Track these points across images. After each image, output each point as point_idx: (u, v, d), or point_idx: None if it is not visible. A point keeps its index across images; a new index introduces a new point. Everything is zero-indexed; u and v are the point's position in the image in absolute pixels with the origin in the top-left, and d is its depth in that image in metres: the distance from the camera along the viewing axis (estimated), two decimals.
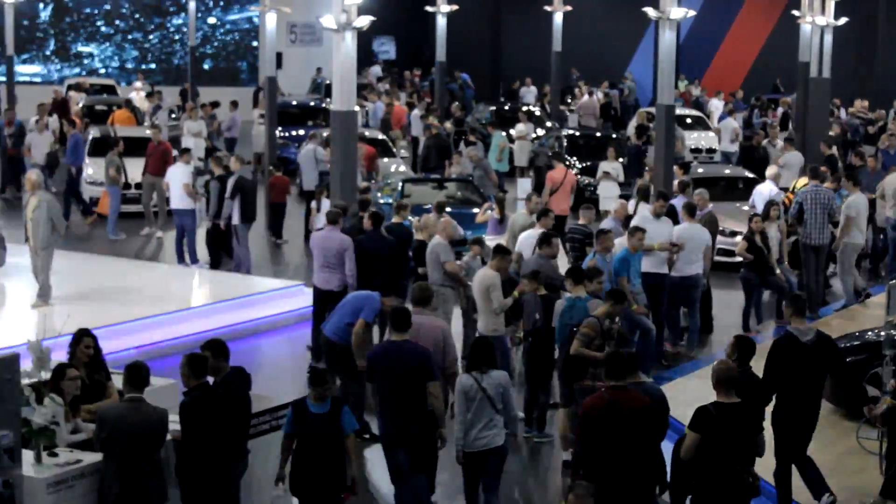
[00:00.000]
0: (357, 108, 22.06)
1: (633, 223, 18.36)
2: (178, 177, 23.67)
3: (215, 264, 22.96)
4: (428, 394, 11.93)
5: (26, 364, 10.56)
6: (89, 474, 10.55)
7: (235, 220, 22.41)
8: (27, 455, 10.34)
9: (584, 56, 49.63)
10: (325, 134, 28.74)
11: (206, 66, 48.34)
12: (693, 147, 35.06)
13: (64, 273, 20.95)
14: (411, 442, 12.07)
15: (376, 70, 51.36)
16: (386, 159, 29.40)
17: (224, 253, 23.06)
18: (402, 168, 29.38)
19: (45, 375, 10.93)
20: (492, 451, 11.91)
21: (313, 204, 23.43)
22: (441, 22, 40.13)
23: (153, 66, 48.59)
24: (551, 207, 20.43)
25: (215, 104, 37.01)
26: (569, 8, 43.94)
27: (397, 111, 38.21)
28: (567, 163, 26.75)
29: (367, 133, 29.72)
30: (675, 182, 22.42)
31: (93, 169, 28.08)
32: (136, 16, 48.96)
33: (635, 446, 10.76)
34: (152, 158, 25.87)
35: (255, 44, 49.58)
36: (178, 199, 23.60)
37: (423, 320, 12.86)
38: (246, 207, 22.43)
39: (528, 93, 46.14)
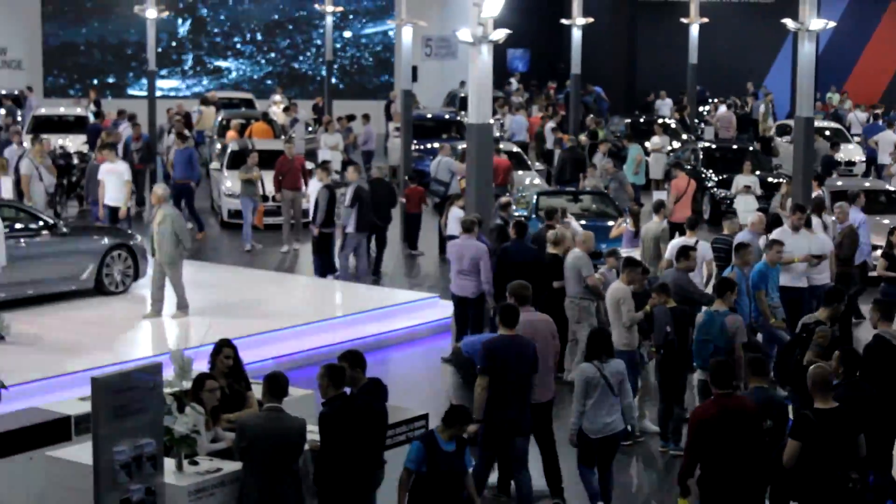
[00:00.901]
0: (492, 121, 22.09)
1: (771, 237, 18.18)
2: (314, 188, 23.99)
3: (322, 273, 23.13)
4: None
5: (168, 373, 10.73)
6: (229, 483, 10.66)
7: (350, 228, 22.62)
8: (169, 463, 10.49)
9: (720, 68, 49.19)
10: (459, 147, 28.86)
11: (338, 80, 48.66)
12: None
13: (205, 284, 21.35)
14: (529, 431, 12.67)
15: (514, 83, 51.45)
16: (520, 172, 29.40)
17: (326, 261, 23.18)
18: (537, 181, 29.35)
19: (187, 385, 11.08)
20: (615, 436, 12.57)
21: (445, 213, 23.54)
22: (576, 34, 40.03)
23: (288, 80, 49.04)
24: (675, 216, 20.49)
25: (351, 117, 37.33)
26: (705, 20, 43.62)
27: (532, 123, 38.23)
28: (686, 171, 26.61)
29: (501, 146, 29.72)
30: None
31: (231, 181, 28.45)
32: (274, 30, 49.57)
33: (744, 453, 10.74)
34: (289, 174, 25.93)
35: (385, 56, 49.91)
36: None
37: (533, 316, 13.26)
38: (362, 217, 22.60)
39: (664, 105, 45.82)
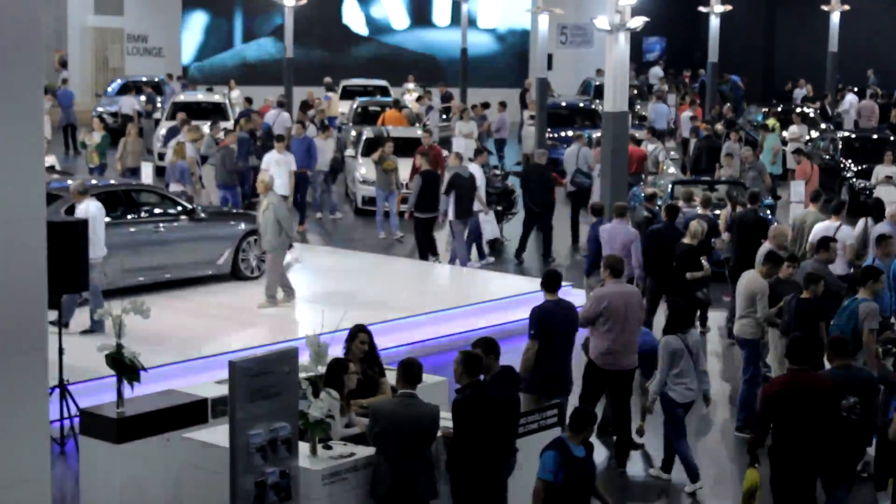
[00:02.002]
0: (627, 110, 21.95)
1: None
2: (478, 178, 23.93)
3: (422, 256, 23.30)
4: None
5: (304, 358, 10.78)
6: (362, 467, 10.68)
7: (451, 215, 22.67)
8: (303, 447, 10.55)
9: (860, 57, 48.27)
10: (595, 135, 28.70)
11: (473, 68, 48.64)
12: None
13: (338, 270, 21.50)
14: (570, 390, 13.66)
15: (656, 71, 50.99)
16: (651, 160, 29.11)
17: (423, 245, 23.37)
18: (672, 170, 29.05)
19: (322, 370, 11.12)
20: (688, 405, 13.28)
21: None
22: (714, 22, 39.62)
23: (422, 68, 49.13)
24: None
25: (485, 105, 37.30)
26: (846, 7, 42.86)
27: (681, 109, 37.88)
28: (808, 156, 26.34)
29: (637, 135, 29.47)
30: None
31: (365, 168, 28.59)
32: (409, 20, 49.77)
33: (815, 427, 10.91)
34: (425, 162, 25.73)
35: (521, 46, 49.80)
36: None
37: (623, 287, 14.06)
38: (461, 203, 22.60)
39: (802, 94, 45.08)
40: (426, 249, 23.25)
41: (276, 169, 23.78)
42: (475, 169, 23.90)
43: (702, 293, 18.16)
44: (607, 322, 13.73)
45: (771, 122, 34.37)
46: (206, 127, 28.55)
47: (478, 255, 23.48)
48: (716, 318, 19.89)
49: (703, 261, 17.89)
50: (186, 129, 26.71)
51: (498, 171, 27.02)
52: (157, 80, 42.92)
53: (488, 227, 23.58)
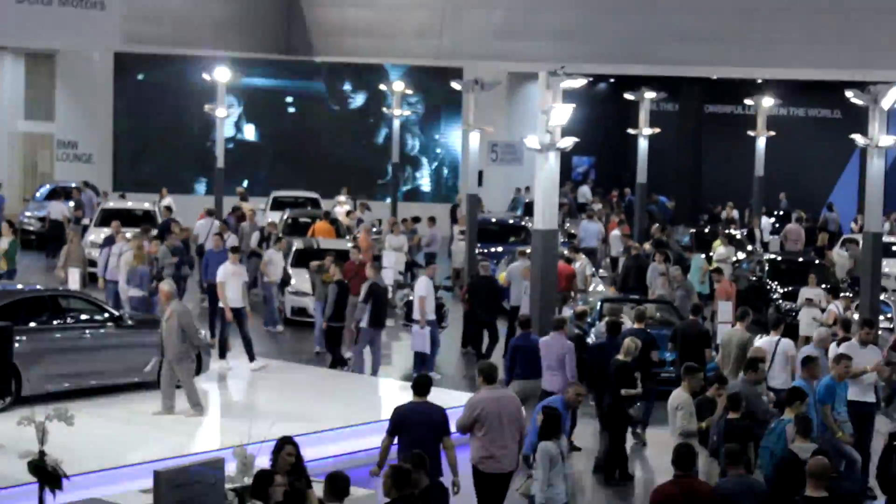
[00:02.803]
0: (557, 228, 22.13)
1: (839, 351, 17.98)
2: (422, 289, 23.99)
3: (332, 365, 23.63)
4: None
5: (230, 469, 10.67)
6: None
7: (364, 323, 22.87)
8: None
9: (786, 181, 49.05)
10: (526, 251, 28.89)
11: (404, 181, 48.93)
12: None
13: (268, 381, 21.36)
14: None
15: (584, 190, 51.48)
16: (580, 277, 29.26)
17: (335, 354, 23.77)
18: (601, 288, 29.24)
19: (248, 481, 11.01)
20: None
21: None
22: (642, 144, 40.16)
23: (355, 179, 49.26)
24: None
25: (416, 219, 37.43)
26: (772, 133, 43.65)
27: (612, 226, 38.22)
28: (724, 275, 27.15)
29: (566, 252, 29.67)
30: None
31: (296, 279, 28.52)
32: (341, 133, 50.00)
33: None
34: (356, 279, 24.75)
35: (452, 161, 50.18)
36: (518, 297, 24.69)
37: (499, 393, 14.65)
38: (376, 313, 22.81)
39: (726, 216, 45.55)
40: (336, 360, 23.74)
41: (232, 280, 23.25)
42: (423, 281, 24.15)
43: (634, 409, 18.31)
44: (482, 427, 14.14)
45: (716, 242, 34.86)
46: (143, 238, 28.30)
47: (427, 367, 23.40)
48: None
49: (636, 378, 18.00)
50: (125, 239, 26.38)
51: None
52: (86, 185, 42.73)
53: (418, 340, 23.54)
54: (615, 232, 37.07)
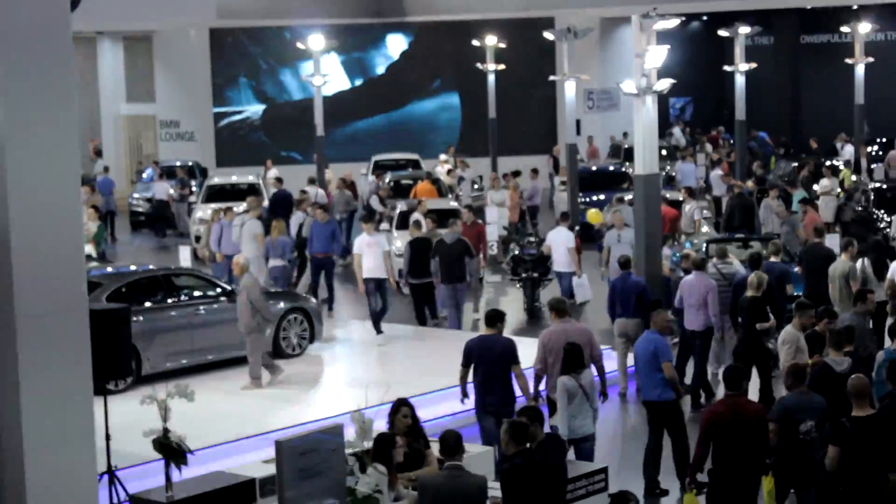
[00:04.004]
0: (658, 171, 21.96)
1: None
2: (562, 240, 24.02)
3: (420, 320, 23.72)
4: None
5: (349, 434, 10.76)
6: None
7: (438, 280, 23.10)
8: None
9: (887, 107, 48.20)
10: (627, 198, 28.72)
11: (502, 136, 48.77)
12: None
13: (383, 345, 21.47)
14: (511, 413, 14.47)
15: (677, 133, 51.01)
16: (684, 222, 29.01)
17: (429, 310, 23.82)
18: (705, 228, 28.97)
19: (367, 445, 11.09)
20: (587, 439, 13.93)
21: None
22: (740, 81, 39.65)
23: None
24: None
25: (517, 173, 37.35)
26: (871, 59, 42.87)
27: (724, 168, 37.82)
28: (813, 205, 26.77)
29: (668, 195, 29.47)
30: None
31: (400, 242, 28.56)
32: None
33: (749, 449, 11.88)
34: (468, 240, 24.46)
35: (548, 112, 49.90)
36: (564, 263, 24.25)
37: (569, 325, 15.23)
38: (443, 269, 22.87)
39: (846, 151, 44.31)
40: (423, 314, 23.74)
41: (369, 251, 22.59)
42: (562, 231, 24.22)
43: (771, 343, 18.13)
44: (551, 358, 14.80)
45: (844, 172, 34.61)
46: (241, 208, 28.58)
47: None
48: None
49: (768, 311, 17.87)
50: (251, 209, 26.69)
51: (533, 238, 27.01)
52: (190, 164, 43.18)
53: (579, 290, 23.53)
54: (716, 172, 36.68)
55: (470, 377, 15.06)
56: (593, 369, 14.83)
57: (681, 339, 19.37)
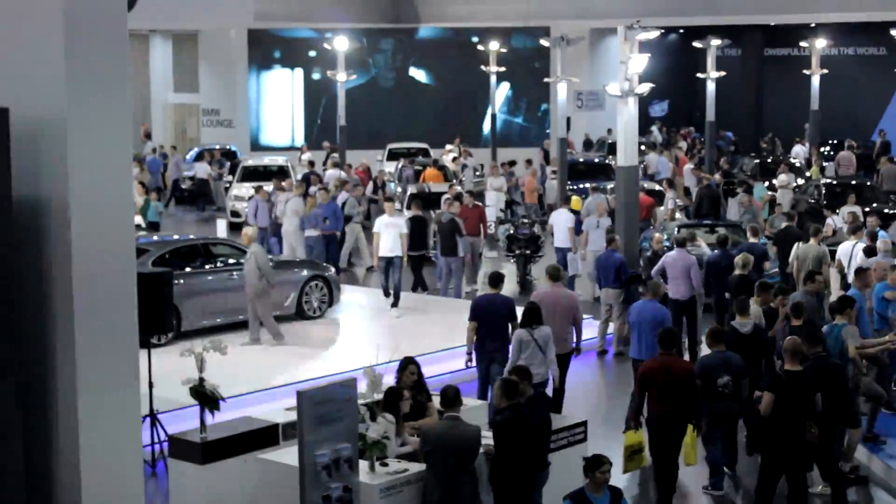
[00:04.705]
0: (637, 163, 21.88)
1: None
2: (563, 220, 23.89)
3: (413, 288, 23.60)
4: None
5: (362, 387, 10.74)
6: (415, 482, 10.62)
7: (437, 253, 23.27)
8: (363, 465, 10.49)
9: (838, 113, 48.08)
10: (609, 186, 28.68)
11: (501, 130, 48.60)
12: None
13: (393, 311, 21.42)
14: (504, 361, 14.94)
15: (655, 132, 50.89)
16: (662, 208, 28.96)
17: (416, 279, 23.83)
18: (678, 215, 28.88)
19: (378, 397, 11.07)
20: (541, 384, 13.83)
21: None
22: (710, 87, 39.54)
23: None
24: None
25: (512, 163, 37.24)
26: (825, 71, 42.76)
27: (682, 161, 37.73)
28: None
29: (645, 185, 29.38)
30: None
31: None
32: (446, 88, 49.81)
33: (678, 400, 12.41)
34: (468, 221, 24.32)
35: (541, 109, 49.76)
36: (563, 240, 23.89)
37: (559, 290, 15.66)
38: (442, 243, 22.93)
39: (802, 151, 44.14)
40: (418, 283, 23.74)
41: (387, 231, 21.87)
42: (563, 213, 24.16)
43: None
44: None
45: (814, 168, 34.72)
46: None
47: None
48: None
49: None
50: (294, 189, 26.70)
51: (526, 220, 26.99)
52: (227, 147, 43.07)
53: (573, 264, 23.45)
54: (688, 166, 36.60)
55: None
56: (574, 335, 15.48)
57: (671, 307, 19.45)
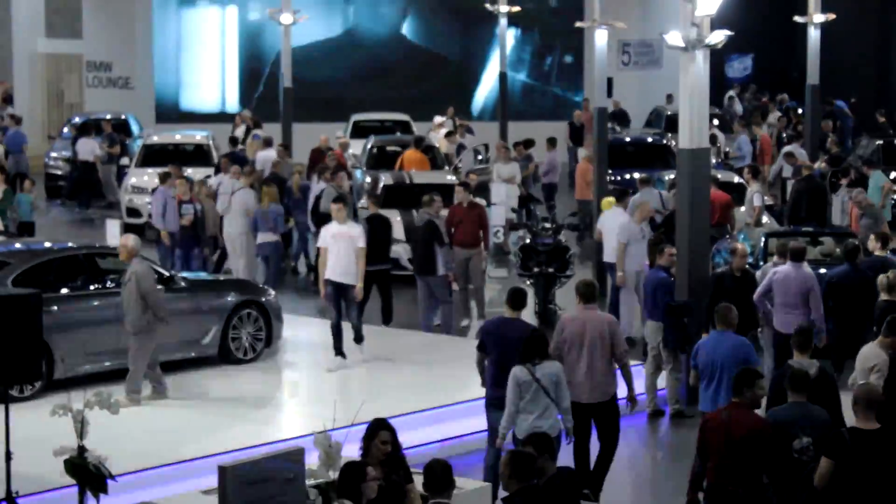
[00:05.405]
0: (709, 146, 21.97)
1: None
2: (617, 225, 23.96)
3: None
4: None
5: (312, 461, 10.78)
6: None
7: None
8: None
9: None
10: (668, 177, 28.72)
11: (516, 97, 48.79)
12: None
13: (355, 350, 21.42)
14: None
15: (734, 97, 51.14)
16: (742, 208, 29.01)
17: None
18: (765, 219, 28.93)
19: (334, 475, 11.10)
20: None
21: None
22: (813, 35, 39.63)
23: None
24: None
25: (530, 143, 37.33)
26: None
27: (764, 143, 37.77)
28: None
29: (719, 175, 29.44)
30: None
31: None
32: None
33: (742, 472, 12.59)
34: (462, 226, 24.36)
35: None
36: (612, 253, 24.04)
37: (591, 314, 15.99)
38: (416, 257, 23.54)
39: None
40: (385, 310, 24.19)
41: (336, 245, 21.24)
42: (619, 214, 24.55)
43: None
44: (566, 349, 15.73)
45: None
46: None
47: None
48: None
49: None
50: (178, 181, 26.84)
51: (548, 224, 26.90)
52: (122, 117, 43.12)
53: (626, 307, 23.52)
54: (788, 147, 36.45)
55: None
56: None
57: (774, 344, 19.82)
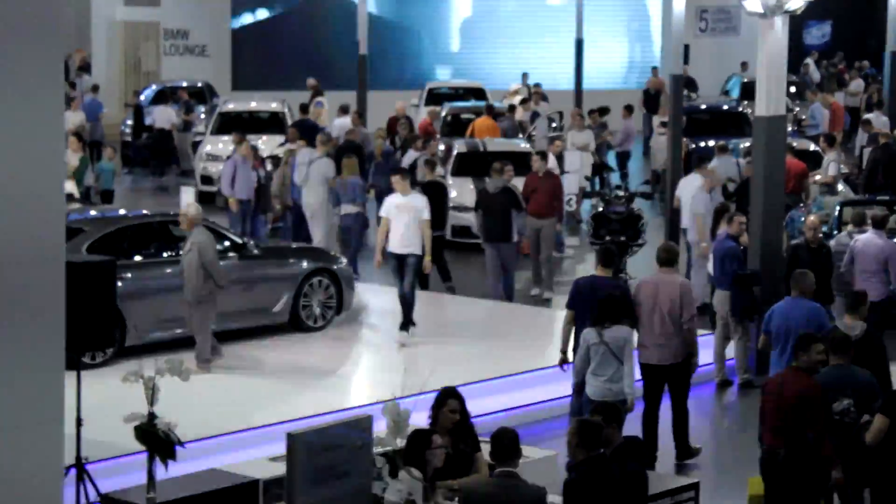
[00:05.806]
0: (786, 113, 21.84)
1: None
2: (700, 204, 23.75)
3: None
4: None
5: (380, 429, 10.80)
6: None
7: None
8: None
9: None
10: (742, 145, 28.57)
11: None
12: None
13: (426, 317, 21.43)
14: None
15: (811, 65, 50.77)
16: (818, 177, 28.81)
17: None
18: (840, 188, 28.73)
19: (401, 443, 11.12)
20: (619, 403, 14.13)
21: None
22: (893, 2, 39.28)
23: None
24: None
25: (605, 110, 37.19)
26: None
27: (836, 110, 37.52)
28: None
29: (794, 144, 29.25)
30: None
31: (458, 191, 28.48)
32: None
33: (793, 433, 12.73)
34: (536, 195, 24.42)
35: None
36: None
37: (667, 276, 16.27)
38: (486, 224, 23.37)
39: None
40: (443, 278, 24.37)
41: (398, 217, 20.98)
42: (696, 181, 24.23)
43: None
44: (642, 312, 16.06)
45: None
46: (260, 141, 28.75)
47: None
48: None
49: None
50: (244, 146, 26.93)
51: (621, 193, 26.84)
52: (199, 85, 43.30)
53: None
54: (869, 115, 36.20)
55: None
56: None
57: None
